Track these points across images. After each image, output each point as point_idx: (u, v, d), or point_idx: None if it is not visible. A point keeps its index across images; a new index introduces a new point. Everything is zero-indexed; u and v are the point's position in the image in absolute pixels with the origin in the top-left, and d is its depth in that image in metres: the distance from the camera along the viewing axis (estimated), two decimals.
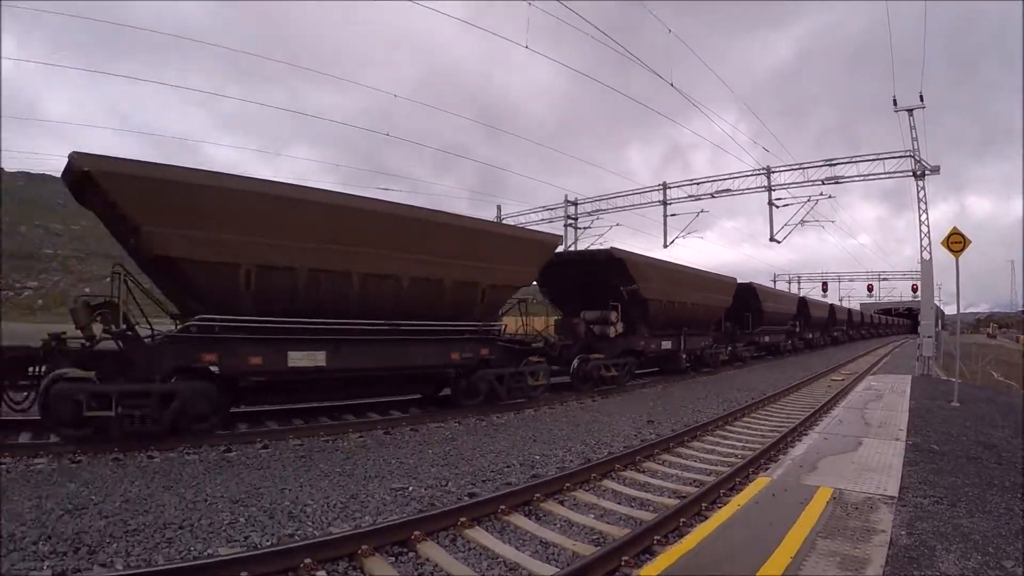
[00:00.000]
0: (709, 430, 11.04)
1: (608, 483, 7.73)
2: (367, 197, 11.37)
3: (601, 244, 30.95)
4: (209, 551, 5.39)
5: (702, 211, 30.88)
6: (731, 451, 9.66)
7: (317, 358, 10.19)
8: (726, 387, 17.81)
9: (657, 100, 30.35)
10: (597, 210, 34.37)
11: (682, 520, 6.23)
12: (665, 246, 31.21)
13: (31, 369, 9.08)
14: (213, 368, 9.31)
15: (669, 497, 7.21)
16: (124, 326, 9.13)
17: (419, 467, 8.18)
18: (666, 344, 19.52)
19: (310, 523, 6.12)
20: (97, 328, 9.20)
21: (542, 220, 35.74)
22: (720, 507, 6.01)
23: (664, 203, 31.06)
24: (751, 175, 28.30)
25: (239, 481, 7.39)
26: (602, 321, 16.47)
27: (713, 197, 29.33)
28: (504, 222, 27.42)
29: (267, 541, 5.65)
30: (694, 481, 7.94)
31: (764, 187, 27.61)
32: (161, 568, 4.86)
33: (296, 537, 5.71)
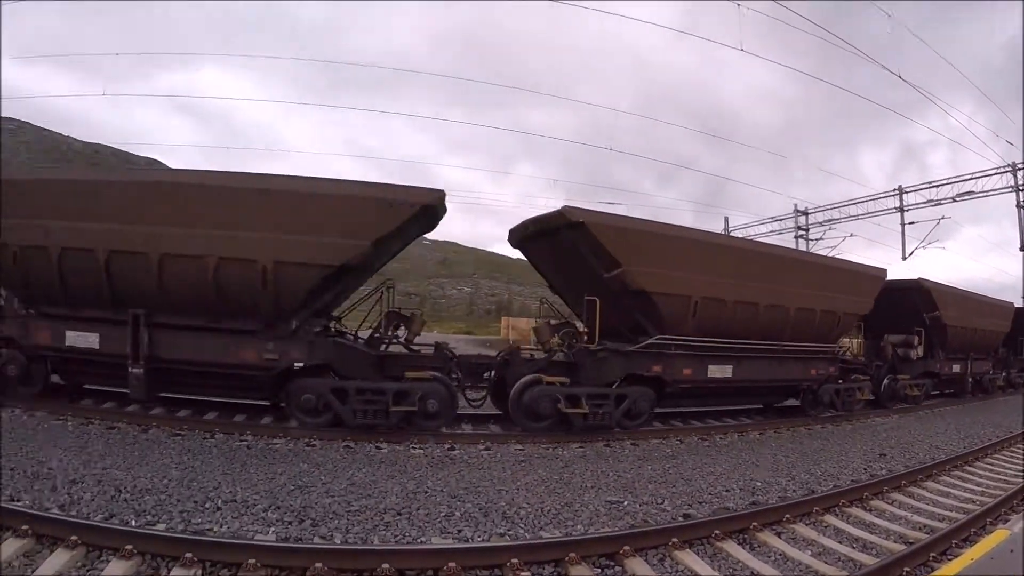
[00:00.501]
0: (945, 469, 9.42)
1: (830, 518, 6.89)
2: (766, 243, 14.36)
3: (836, 254, 27.94)
4: (423, 539, 5.51)
5: (943, 218, 26.95)
6: (968, 495, 8.14)
7: (727, 371, 12.15)
8: (967, 420, 15.66)
9: (885, 96, 27.17)
10: (829, 220, 31.51)
11: (905, 569, 5.34)
12: (904, 258, 28.03)
13: (486, 374, 11.53)
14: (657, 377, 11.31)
15: (895, 541, 6.25)
16: (575, 342, 11.28)
17: (636, 482, 7.83)
18: (955, 368, 19.81)
19: (522, 525, 6.04)
20: (554, 343, 11.36)
21: (771, 232, 33.52)
22: (950, 559, 5.35)
23: (901, 210, 27.88)
24: (995, 174, 24.87)
25: (459, 478, 7.50)
26: (905, 344, 17.42)
27: (955, 201, 26.03)
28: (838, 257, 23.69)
29: (479, 537, 5.66)
30: (923, 526, 6.84)
31: (1011, 187, 24.24)
32: (376, 547, 5.12)
33: (507, 537, 5.69)
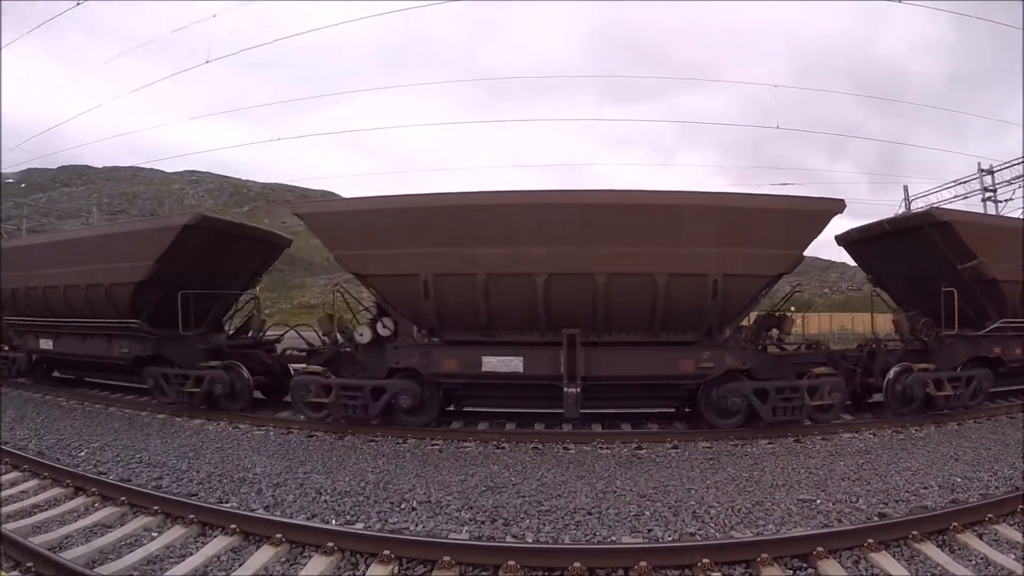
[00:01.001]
0: None
1: None
2: None
3: None
4: (613, 538, 5.59)
5: None
6: None
7: None
8: None
9: None
10: (1017, 176, 27.28)
11: None
12: None
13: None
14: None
15: None
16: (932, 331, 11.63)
17: (828, 480, 7.47)
18: None
19: (712, 524, 5.96)
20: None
21: (955, 197, 29.23)
22: None
23: None
24: None
25: (648, 477, 7.48)
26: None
27: None
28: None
29: (668, 536, 5.66)
30: None
31: None
32: (568, 546, 5.24)
33: (697, 536, 5.64)
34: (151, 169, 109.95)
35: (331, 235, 10.25)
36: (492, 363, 9.75)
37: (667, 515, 6.07)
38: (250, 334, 13.14)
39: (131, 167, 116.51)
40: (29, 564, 5.03)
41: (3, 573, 4.38)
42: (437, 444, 9.23)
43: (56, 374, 15.28)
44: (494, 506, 6.30)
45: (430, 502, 6.49)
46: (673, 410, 11.08)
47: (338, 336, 11.27)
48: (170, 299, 11.41)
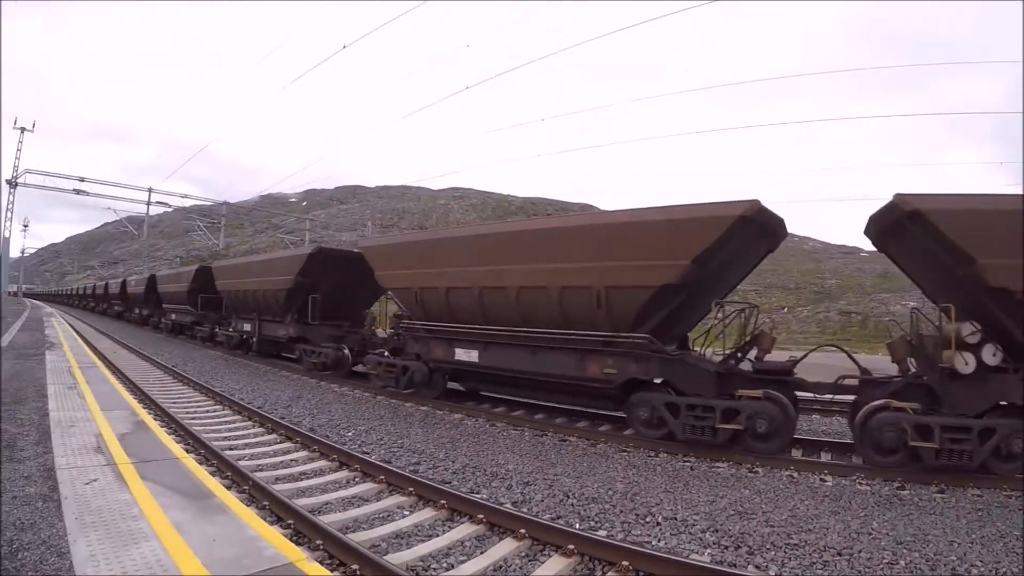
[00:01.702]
0: None
1: None
2: None
3: None
4: None
5: None
6: None
7: None
8: None
9: None
10: None
11: None
12: None
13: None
14: None
15: None
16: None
17: None
18: None
19: None
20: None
21: None
22: None
23: None
24: None
25: (907, 522, 7.00)
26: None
27: None
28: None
29: None
30: None
31: None
32: None
33: None
34: (418, 187, 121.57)
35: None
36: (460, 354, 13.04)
37: (924, 568, 5.71)
38: (753, 354, 10.65)
39: (400, 186, 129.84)
40: (290, 521, 6.05)
41: (263, 522, 5.13)
42: (689, 461, 9.30)
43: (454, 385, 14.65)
44: (740, 532, 6.28)
45: (675, 519, 6.62)
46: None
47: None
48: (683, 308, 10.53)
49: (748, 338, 10.77)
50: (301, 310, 18.61)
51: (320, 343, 18.07)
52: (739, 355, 10.65)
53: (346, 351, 17.47)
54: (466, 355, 12.79)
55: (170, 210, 50.37)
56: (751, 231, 9.67)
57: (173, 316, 32.39)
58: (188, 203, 49.57)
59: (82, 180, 36.67)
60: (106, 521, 4.68)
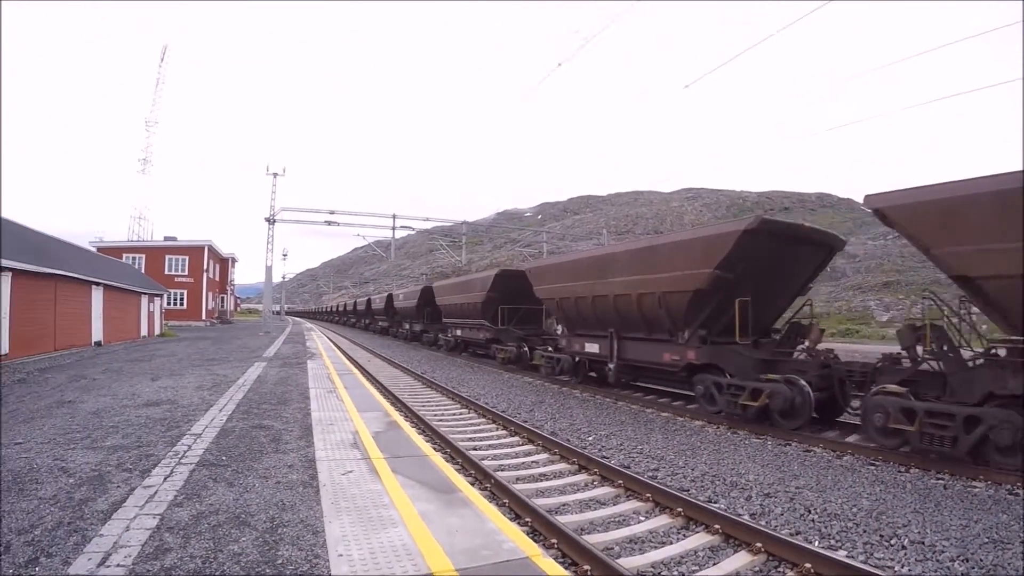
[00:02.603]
0: None
1: None
2: None
3: None
4: None
5: None
6: None
7: None
8: None
9: None
10: None
11: None
12: None
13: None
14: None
15: None
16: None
17: None
18: None
19: None
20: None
21: None
22: None
23: None
24: None
25: None
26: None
27: None
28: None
29: None
30: None
31: None
32: None
33: None
34: (650, 191, 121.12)
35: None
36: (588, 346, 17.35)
37: None
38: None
39: (632, 192, 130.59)
40: (528, 519, 6.45)
41: (504, 518, 5.18)
42: (943, 479, 8.47)
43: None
44: (993, 563, 5.65)
45: (923, 543, 6.09)
46: None
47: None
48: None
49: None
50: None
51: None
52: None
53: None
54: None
55: (412, 233, 54.50)
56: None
57: (459, 332, 29.57)
58: (430, 225, 53.81)
59: (332, 212, 40.73)
60: (359, 507, 5.16)
